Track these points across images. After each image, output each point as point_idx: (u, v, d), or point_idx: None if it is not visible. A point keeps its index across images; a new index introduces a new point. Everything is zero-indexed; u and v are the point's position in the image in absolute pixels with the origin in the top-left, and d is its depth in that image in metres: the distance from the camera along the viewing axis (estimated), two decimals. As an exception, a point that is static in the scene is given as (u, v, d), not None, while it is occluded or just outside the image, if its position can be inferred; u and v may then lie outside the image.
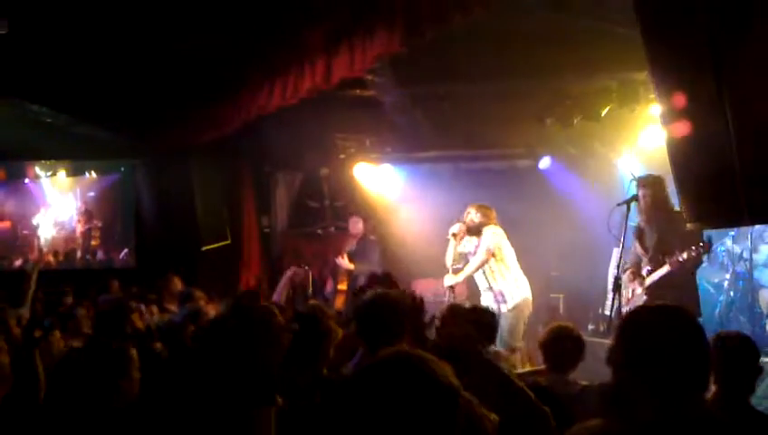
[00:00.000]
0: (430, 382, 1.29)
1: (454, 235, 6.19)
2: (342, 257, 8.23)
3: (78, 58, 6.63)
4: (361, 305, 3.13)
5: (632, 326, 1.84)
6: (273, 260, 10.09)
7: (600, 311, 7.84)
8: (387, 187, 9.56)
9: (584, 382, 3.54)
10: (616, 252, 6.64)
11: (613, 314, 4.87)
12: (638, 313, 1.93)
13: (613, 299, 4.77)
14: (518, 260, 6.29)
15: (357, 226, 8.33)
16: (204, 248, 9.78)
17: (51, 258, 10.61)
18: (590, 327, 7.96)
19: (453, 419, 1.29)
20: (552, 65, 6.30)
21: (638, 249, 5.31)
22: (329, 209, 9.92)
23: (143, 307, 5.35)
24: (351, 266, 8.11)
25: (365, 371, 1.37)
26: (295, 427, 2.36)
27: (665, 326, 1.77)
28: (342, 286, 8.24)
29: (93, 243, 10.72)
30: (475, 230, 6.21)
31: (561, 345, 3.63)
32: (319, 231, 9.83)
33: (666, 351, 1.72)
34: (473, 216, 6.22)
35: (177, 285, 6.59)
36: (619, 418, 1.75)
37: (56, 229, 10.77)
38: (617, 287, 4.74)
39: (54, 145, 9.56)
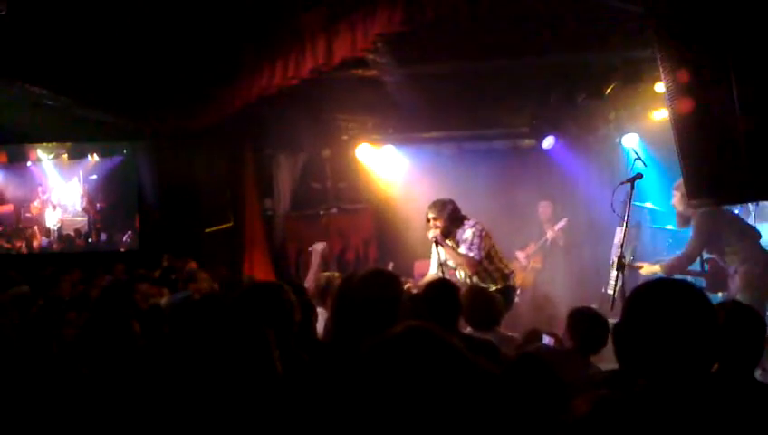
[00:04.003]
0: (450, 352, 1.31)
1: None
2: (553, 231, 8.37)
3: (79, 39, 6.59)
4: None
5: (638, 301, 1.84)
6: (275, 242, 10.09)
7: (603, 290, 7.84)
8: (389, 167, 9.54)
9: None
10: (619, 231, 6.63)
11: (616, 293, 4.87)
12: (644, 288, 1.92)
13: (616, 278, 4.78)
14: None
15: (547, 210, 8.43)
16: (206, 231, 9.80)
17: (55, 241, 10.66)
18: (593, 306, 7.95)
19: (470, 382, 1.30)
20: (555, 43, 6.26)
21: None
22: (331, 191, 9.92)
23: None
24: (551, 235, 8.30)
25: (387, 342, 1.36)
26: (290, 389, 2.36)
27: (671, 301, 1.77)
28: (536, 264, 8.38)
29: (96, 225, 10.73)
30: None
31: (591, 329, 3.63)
32: (321, 212, 9.83)
33: (671, 325, 1.72)
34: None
35: (193, 266, 6.71)
36: (623, 390, 1.76)
37: (59, 212, 10.77)
38: (620, 266, 4.73)
39: (56, 128, 9.54)
